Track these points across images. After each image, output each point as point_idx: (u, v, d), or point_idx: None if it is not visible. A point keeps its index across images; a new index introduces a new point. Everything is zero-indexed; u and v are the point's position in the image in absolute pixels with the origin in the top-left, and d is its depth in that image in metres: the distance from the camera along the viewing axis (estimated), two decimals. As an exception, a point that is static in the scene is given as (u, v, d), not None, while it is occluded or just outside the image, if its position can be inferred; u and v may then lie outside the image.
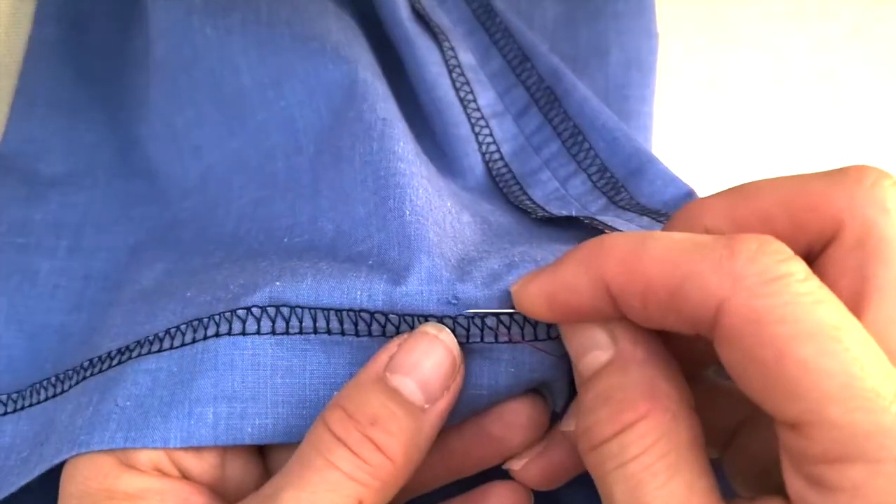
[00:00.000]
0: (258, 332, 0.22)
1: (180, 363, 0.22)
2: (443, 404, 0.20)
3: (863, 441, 0.14)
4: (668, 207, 0.27)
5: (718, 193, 0.20)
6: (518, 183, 0.30)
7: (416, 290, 0.21)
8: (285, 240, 0.26)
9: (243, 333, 0.22)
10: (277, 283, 0.22)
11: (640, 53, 0.34)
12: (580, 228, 0.26)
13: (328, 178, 0.26)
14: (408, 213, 0.23)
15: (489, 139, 0.31)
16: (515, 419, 0.22)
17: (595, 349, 0.19)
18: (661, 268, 0.17)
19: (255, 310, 0.22)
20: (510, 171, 0.30)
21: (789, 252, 0.16)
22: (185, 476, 0.22)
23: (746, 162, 0.37)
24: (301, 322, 0.22)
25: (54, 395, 0.26)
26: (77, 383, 0.25)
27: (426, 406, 0.19)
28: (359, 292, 0.21)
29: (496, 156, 0.31)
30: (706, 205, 0.20)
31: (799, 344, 0.15)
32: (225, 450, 0.22)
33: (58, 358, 0.28)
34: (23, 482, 0.23)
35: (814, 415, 0.15)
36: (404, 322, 0.21)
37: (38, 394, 0.27)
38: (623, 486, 0.16)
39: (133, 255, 0.31)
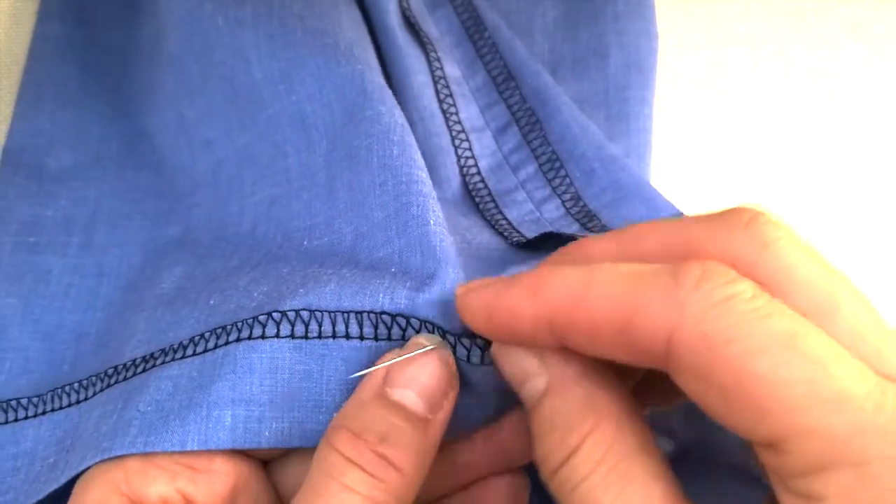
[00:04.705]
0: (277, 336, 0.22)
1: (201, 368, 0.22)
2: (443, 414, 0.20)
3: (843, 445, 0.14)
4: None
5: (606, 234, 0.20)
6: (493, 200, 0.30)
7: (439, 299, 0.21)
8: (304, 242, 0.26)
9: (263, 337, 0.22)
10: (301, 291, 0.22)
11: (640, 54, 0.34)
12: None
13: (344, 178, 0.26)
14: (432, 222, 0.23)
15: (468, 153, 0.31)
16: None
17: (531, 378, 0.19)
18: (608, 303, 0.16)
19: (275, 314, 0.22)
20: (486, 186, 0.30)
21: (734, 274, 0.15)
22: None
23: (746, 162, 0.38)
24: (321, 326, 0.22)
25: (77, 402, 0.26)
26: (101, 391, 0.25)
27: (430, 416, 0.20)
28: (381, 295, 0.22)
29: (473, 170, 0.31)
30: (595, 246, 0.19)
31: (753, 360, 0.14)
32: (236, 481, 0.22)
33: (75, 359, 0.29)
34: (50, 489, 0.23)
35: (786, 429, 0.14)
36: (424, 328, 0.21)
37: (60, 399, 0.27)
38: None
39: (148, 256, 0.31)
